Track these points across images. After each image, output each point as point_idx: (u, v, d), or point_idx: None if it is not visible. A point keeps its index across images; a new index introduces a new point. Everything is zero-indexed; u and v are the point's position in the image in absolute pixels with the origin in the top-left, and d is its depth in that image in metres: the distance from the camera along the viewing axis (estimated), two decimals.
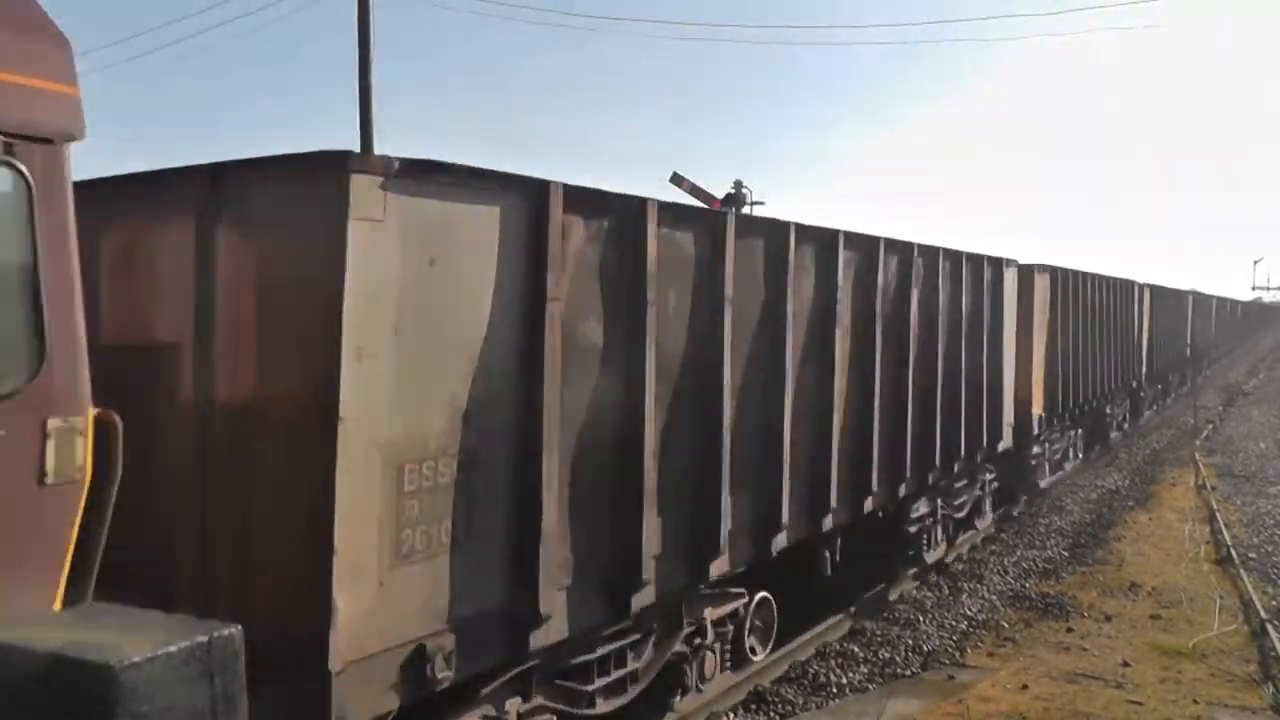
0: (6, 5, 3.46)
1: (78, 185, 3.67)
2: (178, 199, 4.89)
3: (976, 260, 12.65)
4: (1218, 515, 15.69)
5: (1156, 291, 29.27)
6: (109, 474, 3.40)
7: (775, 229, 8.15)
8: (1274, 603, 11.22)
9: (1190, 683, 8.91)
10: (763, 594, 8.73)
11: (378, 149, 18.08)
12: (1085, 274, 19.37)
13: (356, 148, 17.36)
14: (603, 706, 6.68)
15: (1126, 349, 24.06)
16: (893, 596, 11.29)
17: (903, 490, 10.49)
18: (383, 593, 4.65)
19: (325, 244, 4.46)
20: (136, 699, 2.52)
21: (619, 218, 6.19)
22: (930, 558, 12.23)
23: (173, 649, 2.63)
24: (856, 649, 9.66)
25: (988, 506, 14.36)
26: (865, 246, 9.60)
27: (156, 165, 5.17)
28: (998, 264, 13.43)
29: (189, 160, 5.06)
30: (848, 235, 9.12)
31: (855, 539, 9.94)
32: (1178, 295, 35.37)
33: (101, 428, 3.45)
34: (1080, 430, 20.45)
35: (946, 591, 11.75)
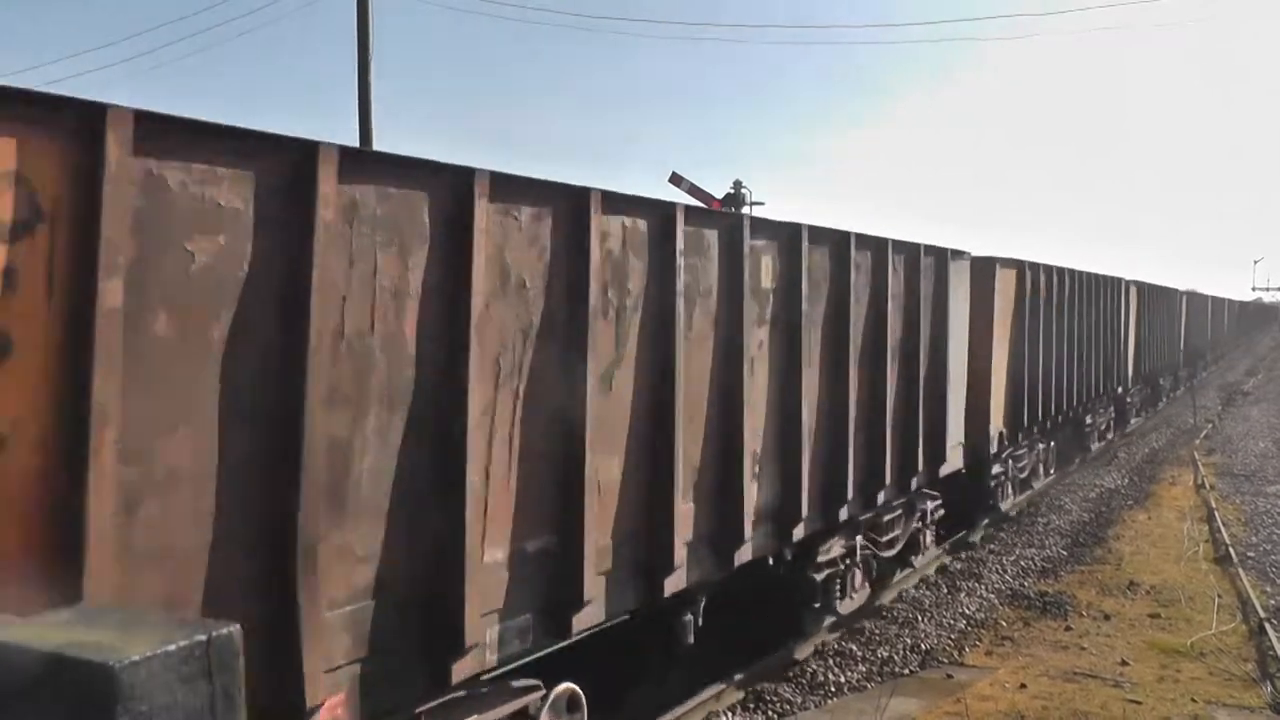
0: None
1: None
2: None
3: (910, 250, 10.31)
4: (1216, 514, 15.71)
5: (1145, 290, 27.36)
6: None
7: (556, 195, 5.59)
8: (1272, 602, 11.24)
9: (1188, 681, 8.93)
10: (566, 685, 6.14)
11: (377, 147, 18.14)
12: (1062, 269, 17.46)
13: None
14: None
15: (1110, 352, 21.96)
16: (801, 655, 9.30)
17: (800, 532, 8.24)
18: None
19: None
20: (136, 698, 2.53)
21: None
22: (847, 608, 10.01)
23: (172, 648, 2.63)
24: (855, 648, 9.67)
25: (929, 539, 12.14)
26: (729, 229, 7.26)
27: None
28: (940, 255, 11.12)
29: None
30: (689, 211, 6.78)
31: (757, 588, 8.31)
32: (1169, 294, 32.76)
33: None
34: (1053, 443, 18.35)
35: (945, 591, 11.77)
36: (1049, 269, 16.60)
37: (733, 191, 27.88)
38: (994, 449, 13.99)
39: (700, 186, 25.95)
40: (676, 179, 25.92)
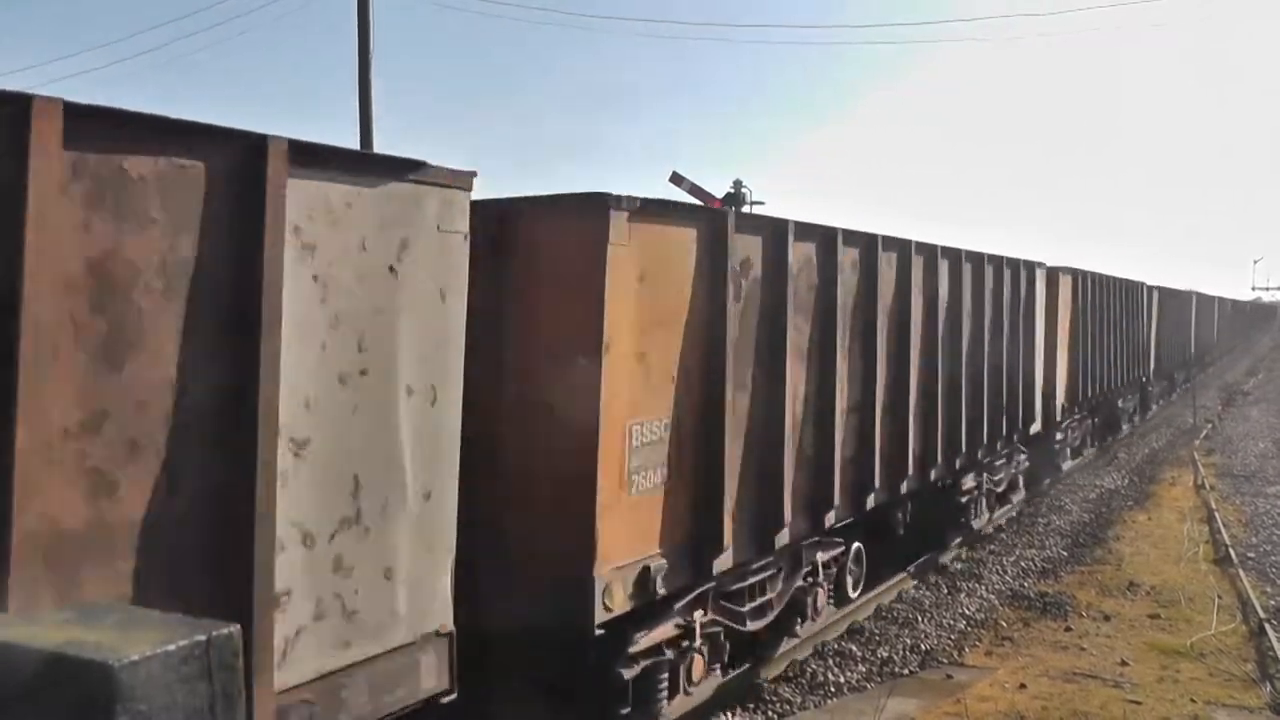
0: None
1: None
2: None
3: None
4: (1216, 515, 15.70)
5: (1081, 280, 18.72)
6: None
7: None
8: (1272, 602, 11.23)
9: (1188, 682, 8.92)
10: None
11: (378, 148, 18.14)
12: (831, 232, 8.97)
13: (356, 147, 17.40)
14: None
15: (998, 383, 13.36)
16: None
17: None
18: None
19: None
20: (135, 698, 2.53)
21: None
22: None
23: (171, 648, 2.64)
24: (854, 648, 9.67)
25: None
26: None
27: None
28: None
29: None
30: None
31: None
32: (1131, 288, 24.13)
33: None
34: (855, 552, 10.23)
35: (945, 591, 11.77)
36: (824, 235, 8.85)
37: (733, 191, 27.82)
38: (621, 605, 6.45)
39: (700, 186, 25.91)
40: (677, 178, 25.88)
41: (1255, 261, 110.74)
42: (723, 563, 7.43)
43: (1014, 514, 15.82)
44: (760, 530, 8.00)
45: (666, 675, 7.21)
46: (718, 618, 7.72)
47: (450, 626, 5.23)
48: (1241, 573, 12.36)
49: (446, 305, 5.19)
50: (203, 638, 2.75)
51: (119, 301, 3.84)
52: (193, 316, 4.06)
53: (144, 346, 3.92)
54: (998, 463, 14.42)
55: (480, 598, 5.61)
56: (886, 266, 10.01)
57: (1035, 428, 15.59)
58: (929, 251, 11.09)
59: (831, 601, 9.97)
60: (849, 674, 9.03)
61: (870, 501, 9.78)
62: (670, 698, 7.25)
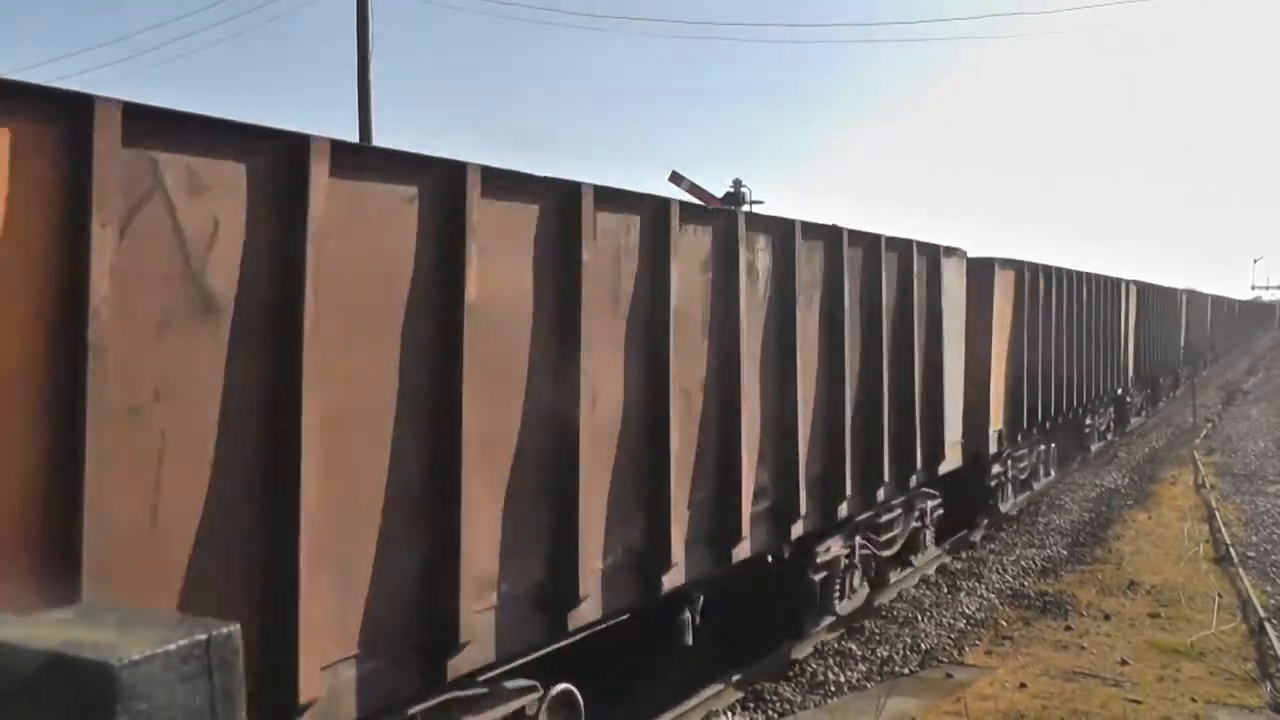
0: None
1: None
2: None
3: None
4: (1217, 514, 15.71)
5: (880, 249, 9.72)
6: None
7: None
8: (1272, 601, 11.24)
9: (1188, 681, 8.92)
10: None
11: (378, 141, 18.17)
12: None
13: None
14: None
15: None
16: None
17: None
18: None
19: None
20: (135, 698, 2.52)
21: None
22: None
23: (171, 648, 2.63)
24: (854, 647, 9.68)
25: None
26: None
27: None
28: None
29: None
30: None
31: None
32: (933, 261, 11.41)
33: None
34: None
35: (945, 590, 11.77)
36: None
37: (732, 190, 27.83)
38: None
39: (700, 185, 25.93)
40: (677, 178, 25.89)
41: (1255, 261, 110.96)
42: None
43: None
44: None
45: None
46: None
47: None
48: (1242, 572, 12.37)
49: None
50: (203, 637, 2.74)
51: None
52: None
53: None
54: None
55: None
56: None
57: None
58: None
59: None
60: (849, 673, 9.03)
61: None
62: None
